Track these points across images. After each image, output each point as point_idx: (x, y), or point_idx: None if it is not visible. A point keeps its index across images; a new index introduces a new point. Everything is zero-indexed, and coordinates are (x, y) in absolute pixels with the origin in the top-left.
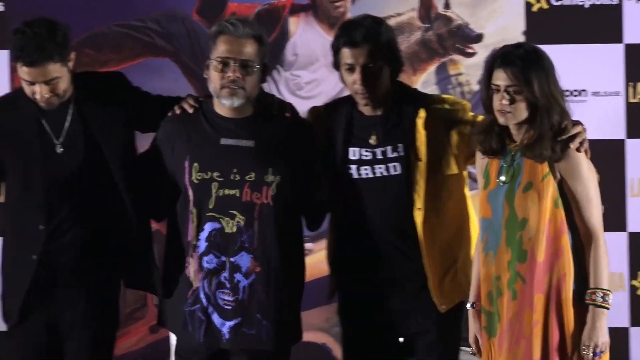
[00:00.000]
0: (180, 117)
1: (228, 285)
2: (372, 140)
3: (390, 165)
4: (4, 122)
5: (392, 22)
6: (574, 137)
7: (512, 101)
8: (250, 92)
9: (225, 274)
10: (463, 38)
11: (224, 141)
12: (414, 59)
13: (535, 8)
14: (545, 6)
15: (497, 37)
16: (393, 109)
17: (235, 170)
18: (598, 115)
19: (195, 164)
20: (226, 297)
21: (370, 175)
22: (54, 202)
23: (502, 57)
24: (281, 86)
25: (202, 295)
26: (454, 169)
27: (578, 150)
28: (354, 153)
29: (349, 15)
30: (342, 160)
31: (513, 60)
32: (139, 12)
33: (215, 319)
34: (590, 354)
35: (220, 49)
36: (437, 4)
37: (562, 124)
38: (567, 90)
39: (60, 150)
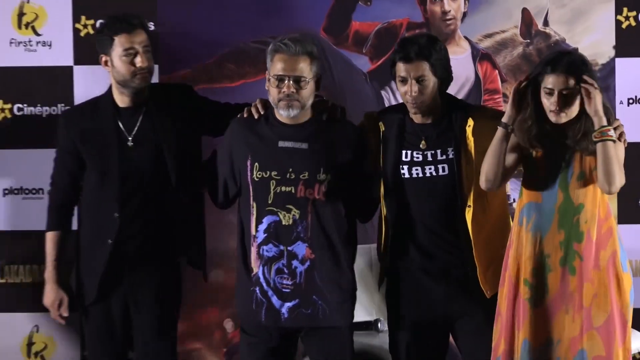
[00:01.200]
0: (246, 120)
1: (286, 271)
2: (422, 145)
3: (439, 166)
4: (87, 123)
5: (497, 38)
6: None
7: (566, 103)
8: (304, 102)
9: (284, 261)
10: None
11: (281, 144)
12: (516, 71)
13: (624, 25)
14: (633, 23)
15: (591, 51)
16: (443, 117)
17: (290, 170)
18: None
19: (256, 164)
20: (285, 282)
21: (421, 175)
22: (126, 193)
23: (554, 64)
24: (398, 95)
25: (262, 280)
26: None
27: (619, 139)
28: (406, 155)
29: (459, 32)
30: (395, 160)
31: (565, 65)
32: (274, 30)
33: (275, 301)
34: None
35: (277, 66)
36: (537, 22)
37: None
38: None
39: (130, 144)
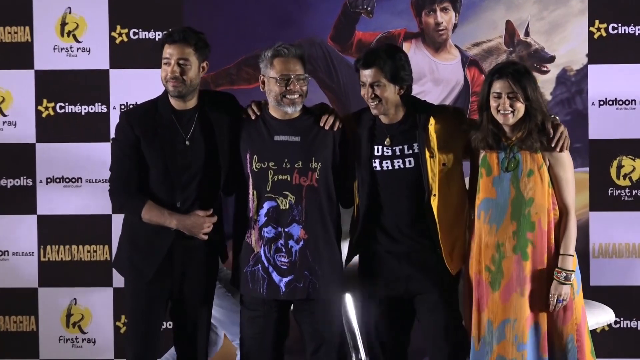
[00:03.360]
0: (245, 120)
1: (284, 250)
2: (387, 142)
3: (406, 160)
4: (148, 122)
5: (484, 46)
6: (559, 139)
7: (512, 104)
8: (304, 98)
9: (281, 241)
10: (539, 59)
11: (277, 137)
12: None
13: (596, 36)
14: (604, 34)
15: (566, 59)
16: (407, 117)
17: (286, 160)
18: None
19: (255, 156)
20: (283, 259)
21: (390, 168)
22: (185, 186)
23: (501, 71)
24: None
25: (263, 258)
26: (458, 162)
27: (561, 150)
28: (377, 150)
29: (450, 41)
30: (368, 155)
31: (511, 72)
32: (287, 39)
33: (275, 276)
34: (555, 301)
35: (279, 68)
36: (519, 32)
37: (545, 122)
38: (619, 100)
39: (187, 143)
